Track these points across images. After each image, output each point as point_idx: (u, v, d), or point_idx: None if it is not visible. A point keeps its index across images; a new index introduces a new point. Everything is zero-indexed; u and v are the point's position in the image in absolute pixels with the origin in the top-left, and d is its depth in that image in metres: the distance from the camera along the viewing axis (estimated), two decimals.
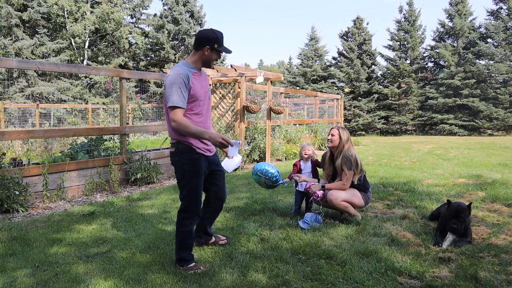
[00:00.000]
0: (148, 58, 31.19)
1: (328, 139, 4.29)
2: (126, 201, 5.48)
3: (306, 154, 4.74)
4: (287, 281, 2.76)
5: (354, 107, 25.89)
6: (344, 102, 23.15)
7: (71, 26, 26.53)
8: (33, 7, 25.03)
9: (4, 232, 3.98)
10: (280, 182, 4.38)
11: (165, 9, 30.60)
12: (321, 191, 4.17)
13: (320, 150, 12.66)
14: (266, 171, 4.32)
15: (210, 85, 3.35)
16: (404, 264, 3.00)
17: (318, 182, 4.44)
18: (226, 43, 3.11)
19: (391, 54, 26.73)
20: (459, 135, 22.89)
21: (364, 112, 25.76)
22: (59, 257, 3.30)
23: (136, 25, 30.98)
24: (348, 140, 4.21)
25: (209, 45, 2.94)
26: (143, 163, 6.66)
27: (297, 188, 4.59)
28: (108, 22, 26.95)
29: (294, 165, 4.82)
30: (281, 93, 12.03)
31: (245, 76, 8.92)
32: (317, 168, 4.79)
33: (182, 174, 3.00)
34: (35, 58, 23.88)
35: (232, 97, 9.17)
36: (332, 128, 4.34)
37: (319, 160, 4.82)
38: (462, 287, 2.66)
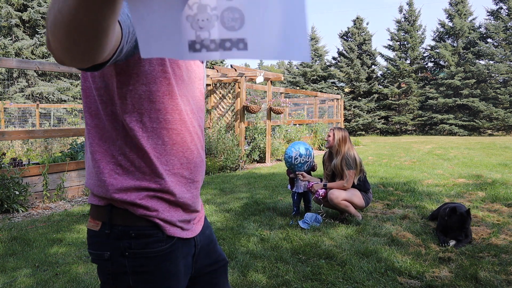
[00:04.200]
0: None
1: (326, 140, 4.37)
2: None
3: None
4: (287, 281, 2.76)
5: (354, 107, 25.90)
6: (344, 102, 23.15)
7: None
8: (33, 7, 25.04)
9: (4, 232, 3.98)
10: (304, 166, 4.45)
11: None
12: (323, 189, 4.19)
13: (320, 150, 12.66)
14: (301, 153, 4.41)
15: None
16: (404, 264, 3.00)
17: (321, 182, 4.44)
18: None
19: (391, 54, 26.74)
20: (459, 135, 22.90)
21: (364, 112, 25.76)
22: (59, 257, 3.30)
23: None
24: (344, 140, 4.22)
25: None
26: None
27: (293, 190, 4.59)
28: None
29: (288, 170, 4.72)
30: (281, 93, 12.02)
31: (245, 76, 8.92)
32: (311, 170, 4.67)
33: None
34: (35, 58, 23.89)
35: (232, 97, 9.17)
36: (330, 129, 4.38)
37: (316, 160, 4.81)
38: (462, 287, 2.66)
